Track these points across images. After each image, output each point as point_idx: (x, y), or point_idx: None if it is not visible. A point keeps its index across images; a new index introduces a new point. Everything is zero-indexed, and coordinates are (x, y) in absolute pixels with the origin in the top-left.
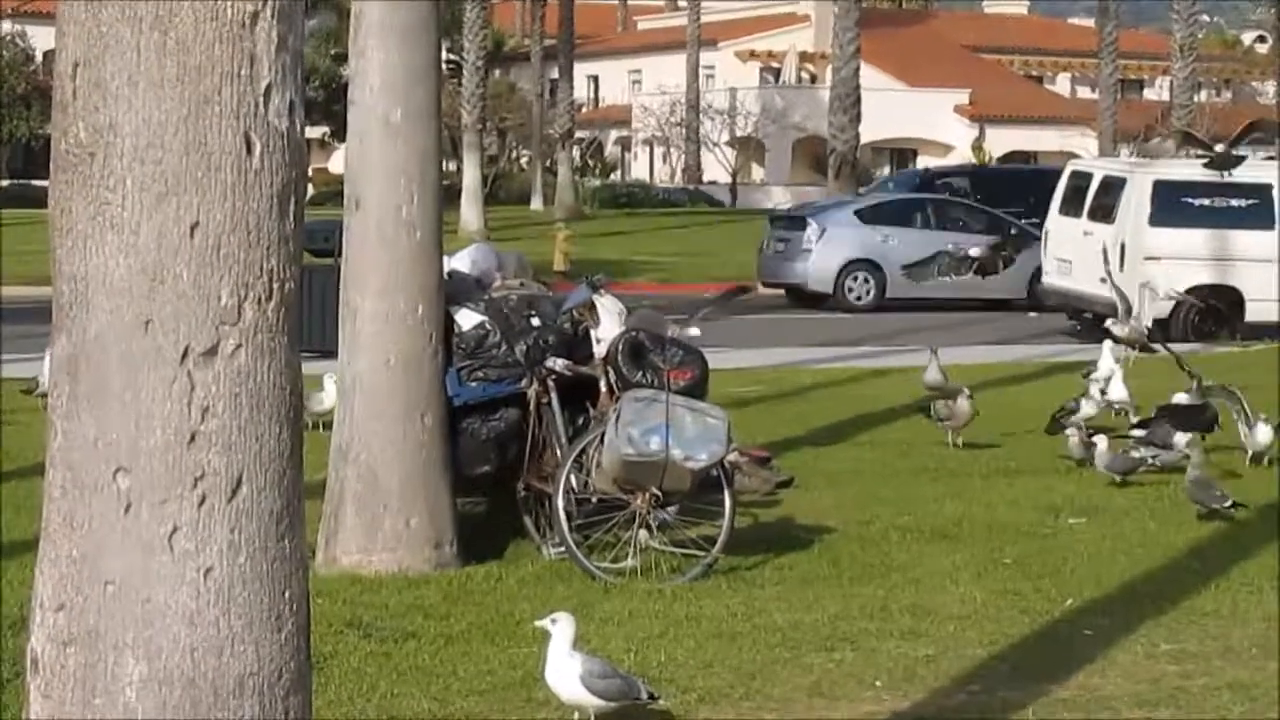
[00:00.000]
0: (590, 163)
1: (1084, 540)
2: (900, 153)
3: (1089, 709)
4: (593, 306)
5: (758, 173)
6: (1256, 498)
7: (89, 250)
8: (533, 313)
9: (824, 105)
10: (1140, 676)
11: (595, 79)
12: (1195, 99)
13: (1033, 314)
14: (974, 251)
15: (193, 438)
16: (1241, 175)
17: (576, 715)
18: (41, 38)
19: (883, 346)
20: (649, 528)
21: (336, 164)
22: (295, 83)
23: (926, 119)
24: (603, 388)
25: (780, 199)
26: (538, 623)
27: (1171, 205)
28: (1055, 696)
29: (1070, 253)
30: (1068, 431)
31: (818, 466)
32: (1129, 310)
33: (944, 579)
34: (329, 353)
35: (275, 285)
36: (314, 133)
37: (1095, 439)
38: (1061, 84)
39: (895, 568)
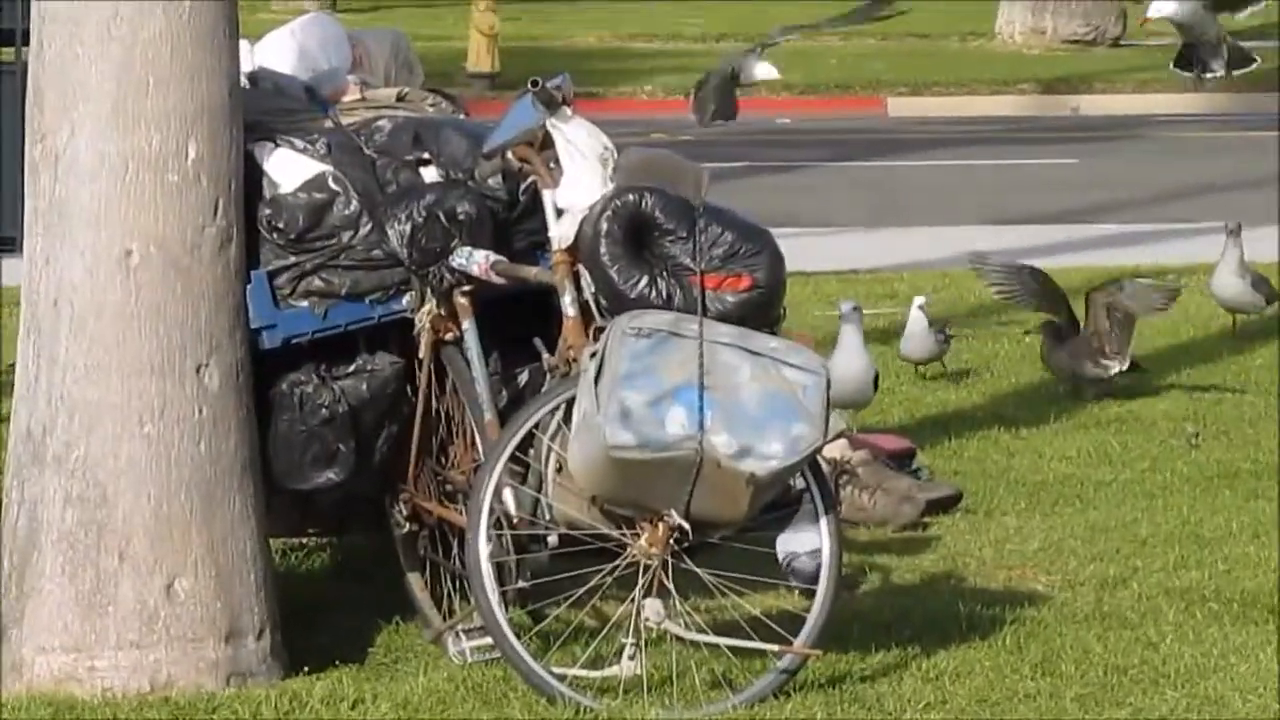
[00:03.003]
0: None
1: None
2: None
3: None
4: (547, 142)
5: None
6: None
7: None
8: (424, 155)
9: None
10: None
11: None
12: None
13: None
14: None
15: None
16: None
17: None
18: None
19: (1140, 224)
20: (664, 595)
21: None
22: None
23: None
24: (568, 309)
25: None
26: None
27: None
28: None
29: None
30: None
31: (1013, 470)
32: None
33: (1262, 693)
34: (5, 242)
35: None
36: None
37: None
38: None
39: (1169, 674)
